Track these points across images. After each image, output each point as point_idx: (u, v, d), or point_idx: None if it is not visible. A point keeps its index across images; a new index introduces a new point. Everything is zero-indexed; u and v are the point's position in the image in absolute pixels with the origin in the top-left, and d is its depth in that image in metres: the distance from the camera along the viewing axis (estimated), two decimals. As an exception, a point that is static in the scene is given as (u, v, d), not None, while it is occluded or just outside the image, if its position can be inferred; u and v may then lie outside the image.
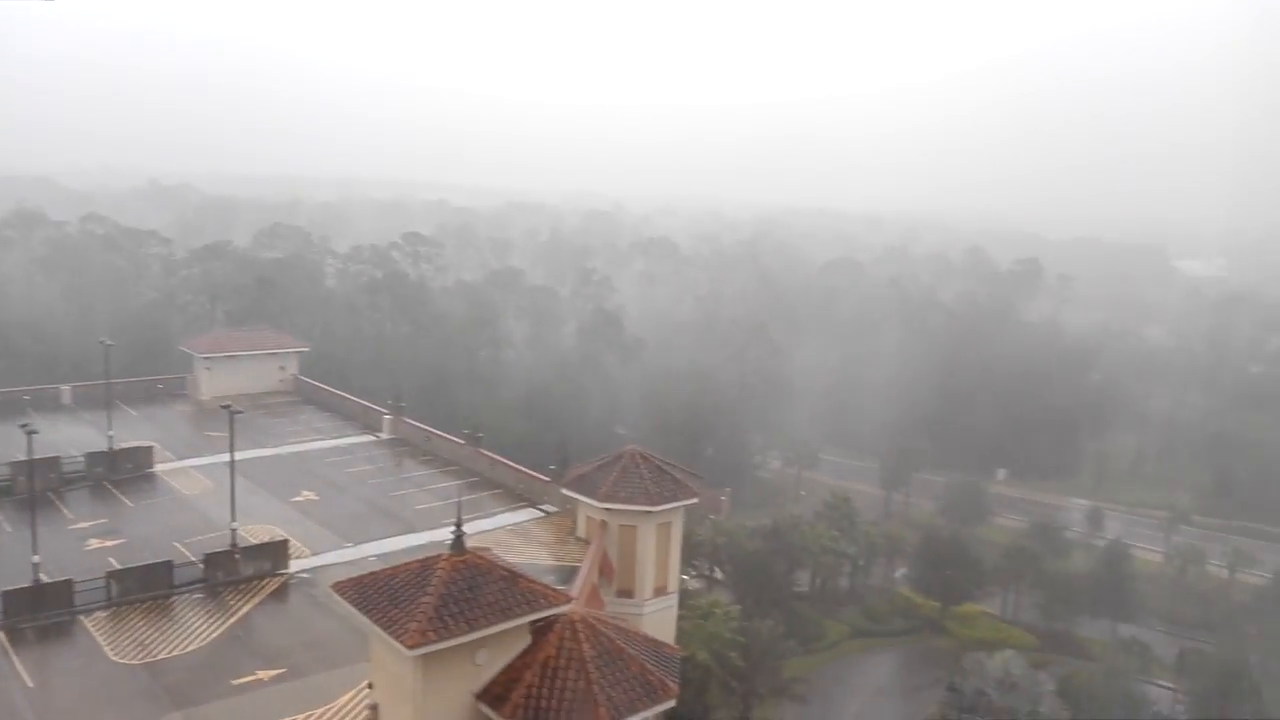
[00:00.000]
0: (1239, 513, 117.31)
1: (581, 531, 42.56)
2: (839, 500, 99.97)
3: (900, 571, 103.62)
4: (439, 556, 25.93)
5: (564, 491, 43.18)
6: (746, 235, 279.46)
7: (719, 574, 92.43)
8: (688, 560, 78.77)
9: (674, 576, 42.22)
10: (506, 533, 45.33)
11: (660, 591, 40.88)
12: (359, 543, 43.87)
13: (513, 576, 26.33)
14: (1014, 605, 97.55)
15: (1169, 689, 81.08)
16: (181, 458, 55.87)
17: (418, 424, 63.24)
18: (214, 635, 34.39)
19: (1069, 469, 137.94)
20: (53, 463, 49.46)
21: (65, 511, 46.56)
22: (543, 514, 48.45)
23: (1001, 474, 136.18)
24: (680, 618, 47.46)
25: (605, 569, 39.60)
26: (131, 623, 35.05)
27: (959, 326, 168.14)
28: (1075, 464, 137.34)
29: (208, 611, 36.38)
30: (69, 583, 35.94)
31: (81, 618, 35.23)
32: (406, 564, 26.48)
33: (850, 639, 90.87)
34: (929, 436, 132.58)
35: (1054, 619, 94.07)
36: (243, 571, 39.27)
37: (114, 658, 32.42)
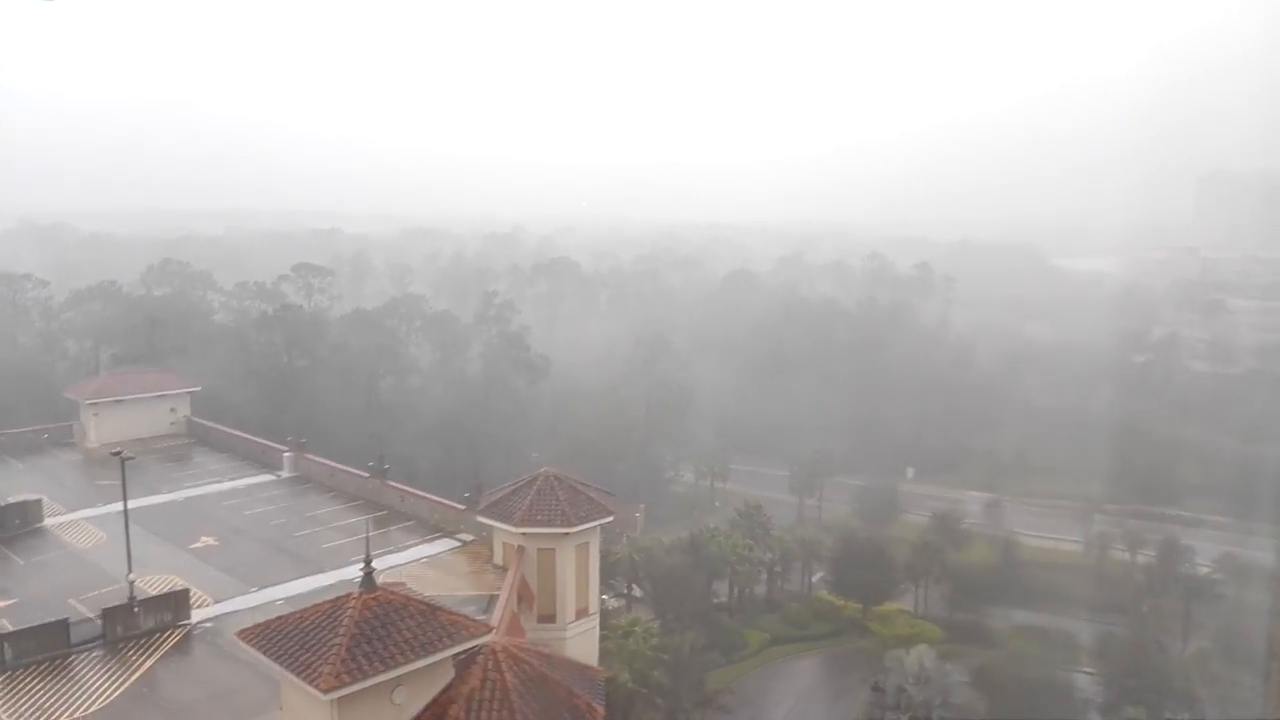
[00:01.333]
0: (1135, 498, 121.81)
1: (499, 559, 41.75)
2: (752, 509, 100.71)
3: (818, 575, 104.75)
4: (349, 595, 25.04)
5: (479, 519, 42.34)
6: (646, 251, 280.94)
7: (637, 591, 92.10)
8: (605, 579, 78.26)
9: (594, 597, 41.76)
10: (421, 565, 44.20)
11: (582, 614, 40.35)
12: (264, 587, 42.25)
13: (430, 610, 25.57)
14: (925, 600, 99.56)
15: (1088, 674, 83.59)
16: (72, 509, 53.22)
17: (320, 460, 61.45)
18: (116, 694, 32.59)
19: (971, 463, 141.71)
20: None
21: (-52, 575, 43.79)
22: (459, 543, 47.43)
23: (910, 472, 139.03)
24: (602, 638, 46.96)
25: (524, 595, 38.91)
26: (28, 686, 33.02)
27: (860, 331, 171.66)
28: (977, 458, 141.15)
29: (108, 669, 34.51)
30: (-42, 649, 33.71)
31: (-28, 685, 33.07)
32: (316, 605, 25.51)
33: (772, 646, 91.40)
34: (838, 440, 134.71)
35: (961, 611, 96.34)
36: (143, 625, 37.39)
37: (11, 725, 30.52)
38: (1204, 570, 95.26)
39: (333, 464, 60.21)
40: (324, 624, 24.28)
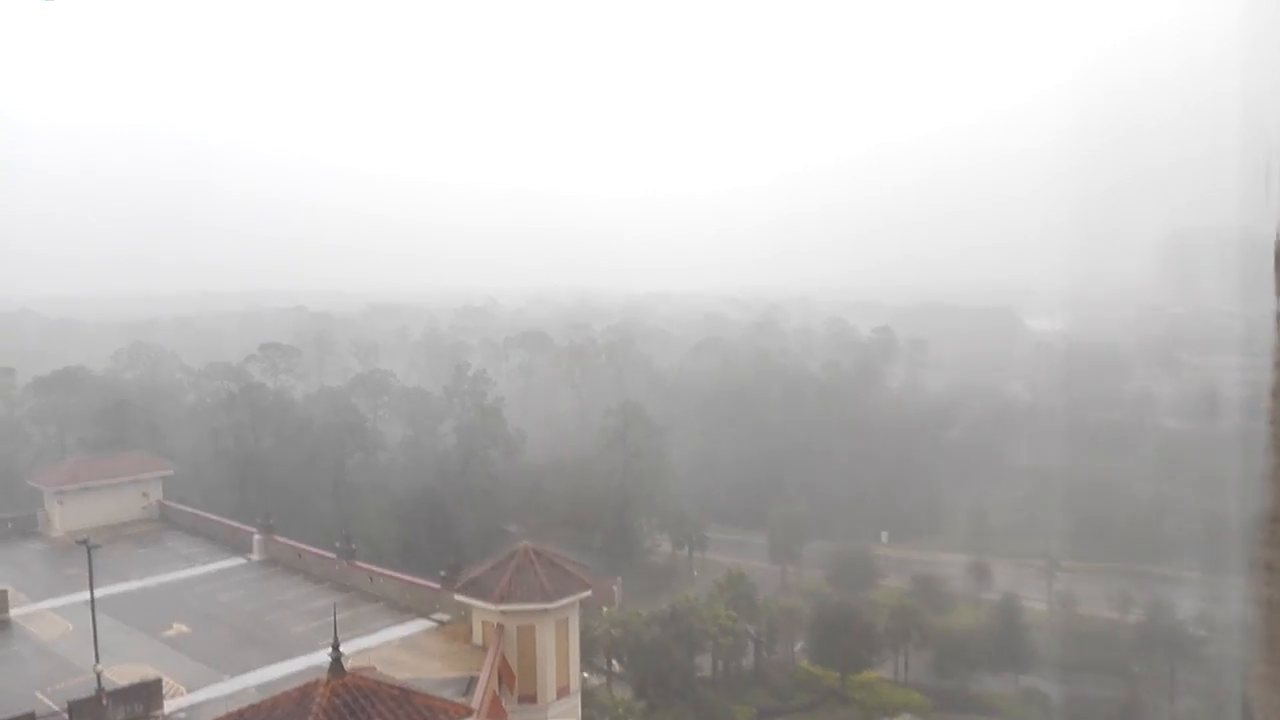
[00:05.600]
0: (1113, 555, 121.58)
1: (479, 638, 41.00)
2: (735, 578, 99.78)
3: (799, 645, 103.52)
4: (317, 682, 24.53)
5: (457, 597, 41.70)
6: (617, 322, 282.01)
7: (617, 667, 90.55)
8: (585, 656, 77.04)
9: (575, 675, 41.09)
10: (394, 648, 43.34)
11: (563, 692, 39.64)
12: (236, 674, 41.31)
13: (404, 694, 25.05)
14: (906, 667, 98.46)
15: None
16: (38, 600, 52.08)
17: (289, 542, 60.62)
18: (80, 793, 31.55)
19: (947, 525, 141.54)
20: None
21: (-93, 671, 42.46)
22: (435, 624, 46.61)
23: (884, 536, 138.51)
24: (589, 719, 46.10)
25: (505, 675, 38.17)
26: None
27: (829, 396, 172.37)
28: (952, 520, 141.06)
29: (73, 766, 33.46)
30: (-84, 749, 32.61)
31: (-68, 786, 31.95)
32: (286, 693, 24.99)
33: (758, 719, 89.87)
34: (814, 505, 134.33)
35: (947, 677, 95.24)
36: (112, 717, 36.30)
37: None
38: (1186, 627, 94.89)
39: (301, 546, 59.38)
40: (293, 712, 23.74)
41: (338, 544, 55.78)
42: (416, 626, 46.63)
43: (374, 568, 53.90)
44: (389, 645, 43.86)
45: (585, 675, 78.40)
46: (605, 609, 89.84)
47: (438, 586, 47.56)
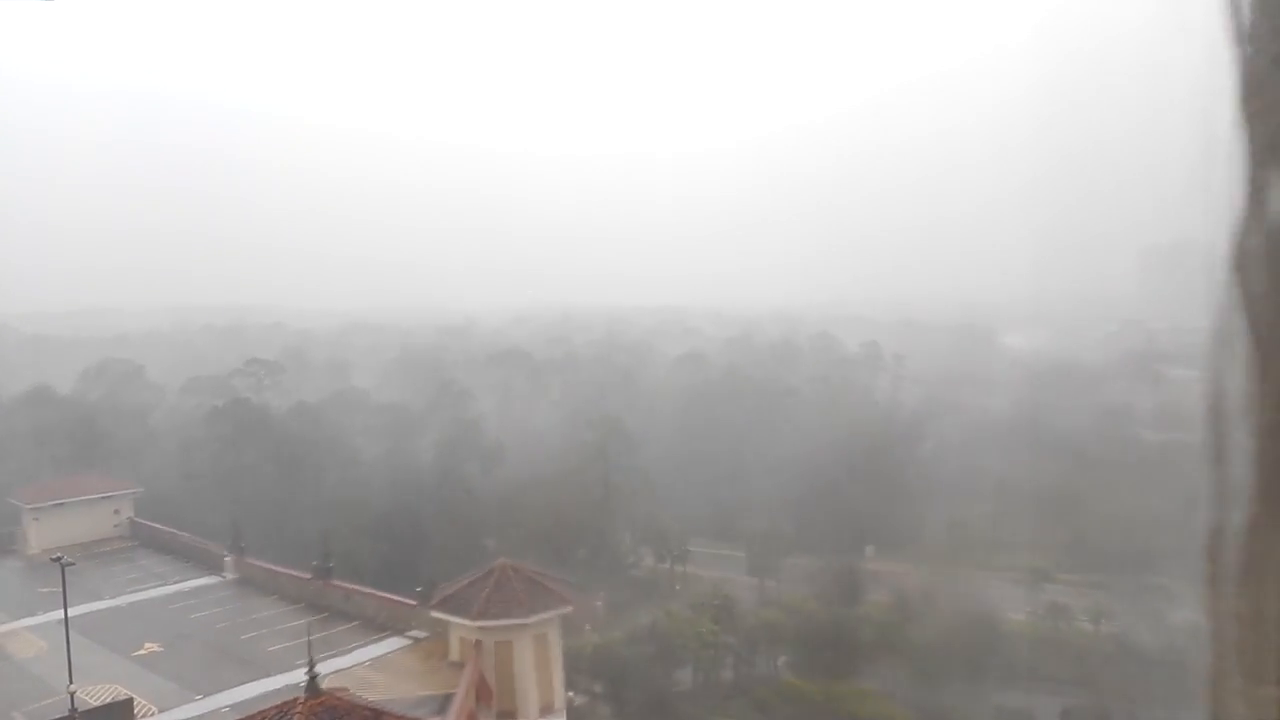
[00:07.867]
0: (1095, 567, 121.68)
1: (456, 655, 40.66)
2: (715, 593, 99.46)
3: (782, 658, 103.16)
4: (294, 701, 24.28)
5: (433, 614, 41.37)
6: (597, 336, 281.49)
7: (598, 686, 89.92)
8: (568, 676, 76.54)
9: (559, 692, 40.80)
10: (367, 668, 42.93)
11: (547, 709, 39.35)
12: (210, 694, 40.83)
13: (375, 715, 24.84)
14: (891, 680, 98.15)
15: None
16: (13, 618, 51.46)
17: (261, 563, 60.17)
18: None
19: (932, 539, 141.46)
20: None
21: (-122, 693, 41.75)
22: (410, 641, 46.23)
23: (870, 550, 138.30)
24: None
25: (482, 693, 37.88)
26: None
27: (811, 410, 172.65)
28: (937, 534, 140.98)
29: (45, 788, 32.96)
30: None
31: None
32: (261, 712, 24.71)
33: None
34: (795, 519, 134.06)
35: (927, 689, 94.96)
36: (82, 739, 35.85)
37: None
38: (1169, 636, 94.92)
39: (274, 567, 58.98)
40: (271, 732, 23.44)
41: (315, 563, 55.24)
42: (392, 645, 46.24)
43: (350, 585, 53.44)
44: (363, 665, 43.47)
45: (571, 695, 77.94)
46: (588, 627, 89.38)
47: (413, 603, 47.20)
